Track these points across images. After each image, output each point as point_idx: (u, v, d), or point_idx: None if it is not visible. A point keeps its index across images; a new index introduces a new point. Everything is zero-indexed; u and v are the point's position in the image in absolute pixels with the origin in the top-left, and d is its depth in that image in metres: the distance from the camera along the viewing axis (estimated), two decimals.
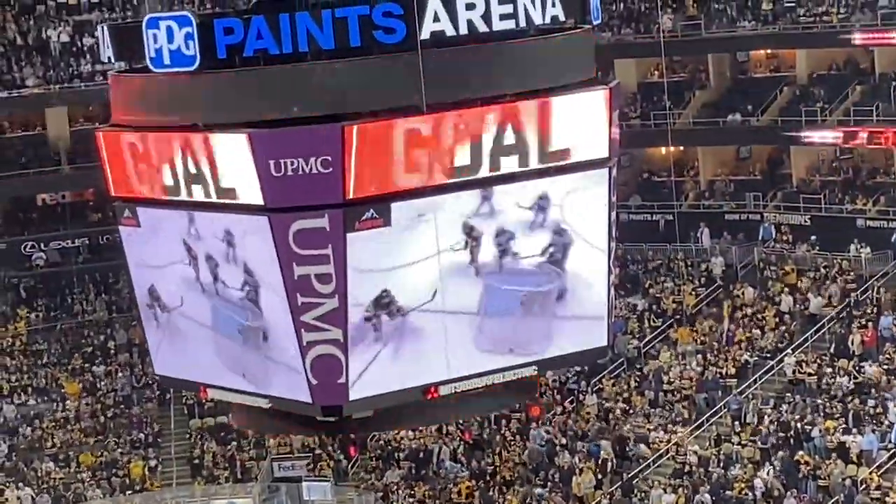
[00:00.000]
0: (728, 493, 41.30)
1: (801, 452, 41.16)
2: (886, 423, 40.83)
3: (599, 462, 44.13)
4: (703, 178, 53.02)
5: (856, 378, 42.96)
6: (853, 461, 40.23)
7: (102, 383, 51.95)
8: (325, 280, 23.12)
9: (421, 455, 47.49)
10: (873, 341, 43.82)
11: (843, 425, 41.43)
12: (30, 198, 54.80)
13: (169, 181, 24.79)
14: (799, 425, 42.13)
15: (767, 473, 41.14)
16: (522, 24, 23.70)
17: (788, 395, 43.71)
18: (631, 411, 46.18)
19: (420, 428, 44.73)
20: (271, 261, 23.29)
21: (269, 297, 23.91)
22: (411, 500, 46.15)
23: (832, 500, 39.54)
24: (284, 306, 23.41)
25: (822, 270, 47.16)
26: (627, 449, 44.44)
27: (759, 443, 42.46)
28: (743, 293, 48.07)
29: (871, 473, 39.66)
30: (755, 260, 48.88)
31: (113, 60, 26.01)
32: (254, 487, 47.77)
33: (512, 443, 46.66)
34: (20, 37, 56.45)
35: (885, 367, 42.69)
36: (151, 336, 27.22)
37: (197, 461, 49.41)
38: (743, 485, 41.26)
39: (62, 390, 51.51)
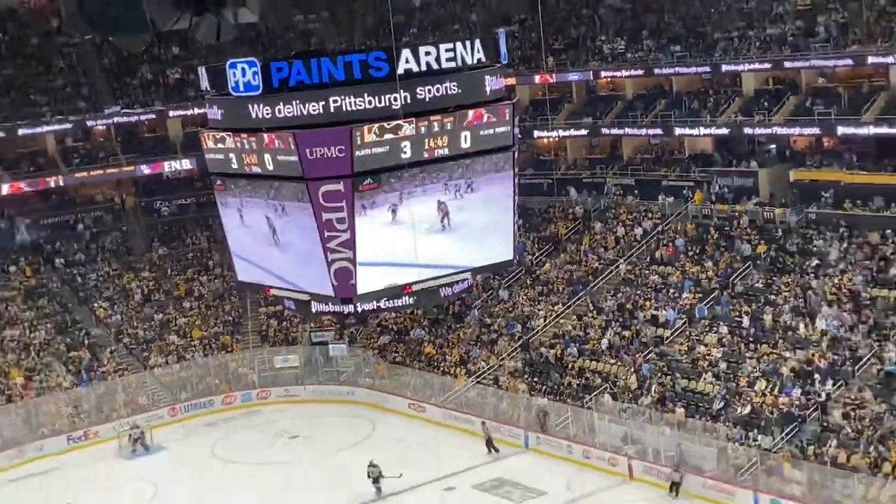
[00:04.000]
0: (585, 346, 41.70)
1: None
2: (681, 303, 41.29)
3: (513, 333, 44.52)
4: (570, 156, 53.02)
5: (661, 276, 43.44)
6: (660, 325, 40.83)
7: (206, 287, 52.15)
8: (342, 221, 22.74)
9: (402, 329, 47.72)
10: (672, 253, 44.22)
11: (655, 304, 41.99)
12: (158, 173, 54.21)
13: (238, 161, 24.32)
14: (629, 306, 42.61)
15: (610, 335, 41.54)
16: (460, 63, 23.26)
17: (625, 288, 43.98)
18: (527, 300, 46.23)
19: (400, 312, 44.63)
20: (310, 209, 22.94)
21: (308, 232, 23.44)
22: (395, 354, 46.37)
23: (648, 350, 39.98)
24: (315, 234, 23.03)
25: (642, 212, 47.42)
26: (526, 323, 44.67)
27: (604, 317, 42.84)
28: (595, 226, 48.20)
29: (671, 333, 40.34)
30: (602, 206, 48.99)
31: (209, 88, 25.10)
32: (299, 349, 47.97)
33: (456, 321, 46.82)
34: (152, 75, 56.51)
35: (680, 270, 43.12)
36: (236, 255, 26.56)
37: (264, 333, 49.57)
38: (595, 342, 41.58)
39: (179, 292, 51.74)
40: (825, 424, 33.56)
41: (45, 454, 42.30)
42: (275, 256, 24.85)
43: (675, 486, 33.60)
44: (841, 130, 42.44)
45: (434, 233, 23.77)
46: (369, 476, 35.49)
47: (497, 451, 38.24)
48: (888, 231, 39.38)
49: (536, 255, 48.20)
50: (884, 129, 40.92)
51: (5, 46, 55.85)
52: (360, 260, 23.07)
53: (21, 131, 51.72)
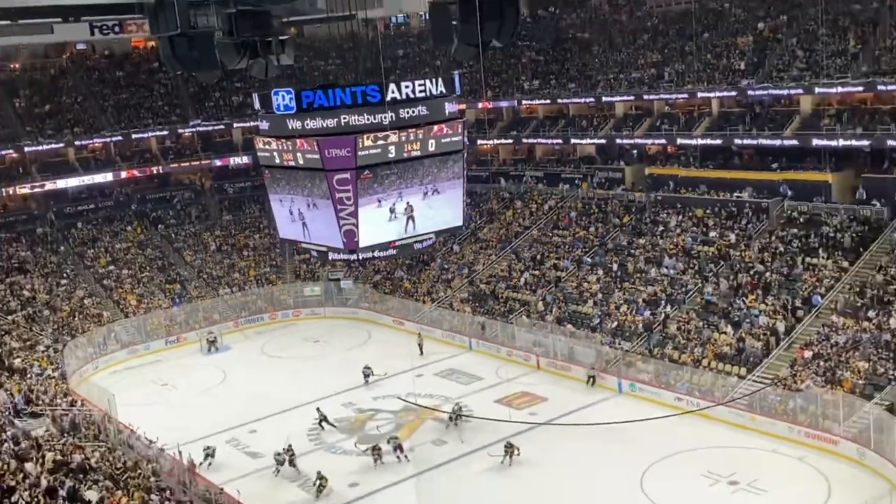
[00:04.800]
0: (510, 283, 41.31)
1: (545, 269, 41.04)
2: (573, 255, 40.76)
3: (462, 274, 44.10)
4: (501, 157, 52.23)
5: (560, 237, 43.05)
6: (559, 270, 40.45)
7: (258, 242, 50.98)
8: (349, 199, 22.22)
9: (389, 271, 47.02)
10: (568, 223, 43.88)
11: (556, 256, 41.63)
12: (226, 165, 53.01)
13: (279, 157, 23.50)
14: (538, 256, 42.15)
15: (526, 276, 41.08)
16: (428, 93, 22.72)
17: (536, 245, 43.56)
18: (471, 252, 45.75)
19: (388, 260, 43.56)
20: (328, 191, 22.36)
21: (326, 206, 22.82)
22: (384, 287, 45.83)
23: (550, 285, 39.61)
24: (332, 209, 22.44)
25: (548, 194, 46.92)
26: (471, 267, 44.20)
27: (522, 264, 42.40)
28: (517, 204, 47.68)
29: (566, 275, 39.83)
30: (521, 191, 48.46)
31: (260, 108, 24.22)
32: (320, 283, 47.51)
33: (425, 266, 46.33)
34: (222, 100, 55.30)
35: (572, 233, 42.77)
36: (278, 222, 25.59)
37: (297, 272, 48.92)
38: (516, 280, 41.26)
39: (240, 244, 50.73)
40: (665, 334, 33.86)
41: (150, 351, 42.07)
42: (304, 240, 24.36)
43: (591, 379, 33.15)
44: (679, 141, 42.48)
45: (409, 236, 23.19)
46: (363, 373, 35.60)
47: (422, 354, 37.88)
48: (709, 209, 39.52)
49: (478, 222, 47.88)
50: (707, 141, 41.23)
51: (122, 79, 55.02)
52: (363, 244, 22.52)
53: (134, 136, 51.37)
